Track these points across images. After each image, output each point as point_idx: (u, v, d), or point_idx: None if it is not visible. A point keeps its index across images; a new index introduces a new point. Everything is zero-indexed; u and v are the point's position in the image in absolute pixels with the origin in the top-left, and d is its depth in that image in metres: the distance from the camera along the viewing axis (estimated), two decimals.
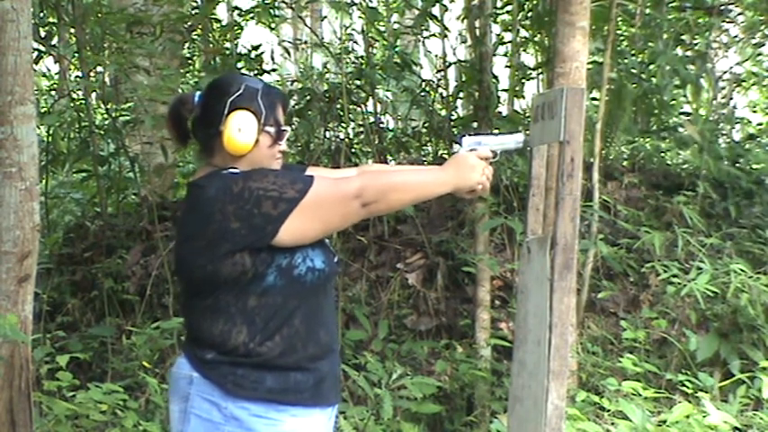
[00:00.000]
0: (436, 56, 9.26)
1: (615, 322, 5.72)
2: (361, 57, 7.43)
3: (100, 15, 6.58)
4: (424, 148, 7.80)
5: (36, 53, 6.08)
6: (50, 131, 6.97)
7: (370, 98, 7.18)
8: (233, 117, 2.35)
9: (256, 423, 2.30)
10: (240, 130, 2.34)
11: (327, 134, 7.18)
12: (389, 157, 7.38)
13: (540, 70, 7.28)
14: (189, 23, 7.38)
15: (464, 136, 2.55)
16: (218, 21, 8.01)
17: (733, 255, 5.86)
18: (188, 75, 8.26)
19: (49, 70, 9.84)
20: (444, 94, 7.37)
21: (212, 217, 2.28)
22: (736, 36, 8.93)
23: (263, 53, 7.34)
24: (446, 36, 7.33)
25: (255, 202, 2.25)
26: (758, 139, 7.98)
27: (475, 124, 6.33)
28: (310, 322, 2.36)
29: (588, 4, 4.73)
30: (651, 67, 7.19)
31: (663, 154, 7.80)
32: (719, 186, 6.65)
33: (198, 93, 2.48)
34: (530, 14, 6.94)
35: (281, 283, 2.30)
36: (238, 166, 2.38)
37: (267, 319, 2.31)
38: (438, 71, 7.71)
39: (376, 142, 7.04)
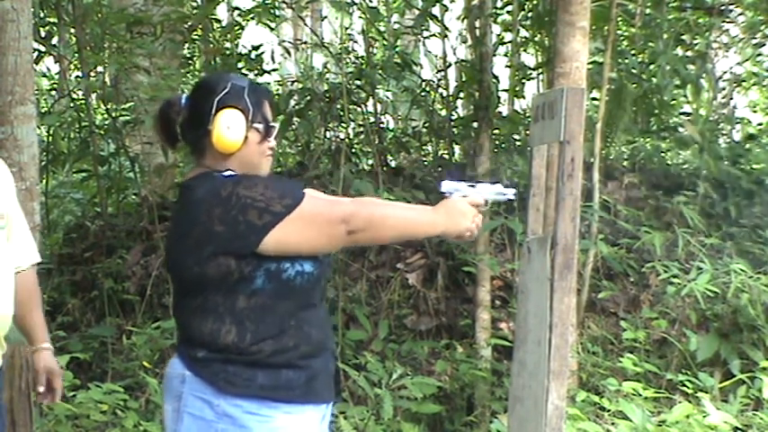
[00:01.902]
0: (436, 56, 9.28)
1: (615, 322, 5.72)
2: (362, 57, 7.43)
3: (100, 15, 6.58)
4: (424, 148, 7.80)
5: (36, 53, 6.08)
6: (50, 131, 6.97)
7: (370, 98, 7.18)
8: (221, 115, 2.35)
9: (249, 420, 2.30)
10: (229, 127, 2.34)
11: (327, 134, 7.19)
12: (389, 157, 7.38)
13: (540, 70, 7.29)
14: (189, 23, 7.38)
15: (444, 180, 2.52)
16: (219, 21, 8.02)
17: (733, 255, 5.86)
18: (188, 75, 8.26)
19: (49, 70, 9.83)
20: (444, 94, 7.38)
21: (198, 218, 2.29)
22: (736, 36, 8.94)
23: (263, 53, 7.35)
24: (446, 36, 7.33)
25: (241, 209, 2.26)
26: (758, 139, 7.99)
27: (475, 124, 6.33)
28: (301, 322, 2.36)
29: (588, 4, 4.74)
30: (651, 67, 7.19)
31: (663, 154, 7.81)
32: (719, 186, 6.66)
33: (184, 95, 2.48)
34: (530, 14, 6.94)
35: (269, 286, 2.31)
36: (229, 166, 2.38)
37: (257, 321, 2.31)
38: (438, 71, 7.72)
39: (376, 142, 7.04)
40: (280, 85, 8.33)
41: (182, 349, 2.41)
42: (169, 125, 2.48)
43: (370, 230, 2.31)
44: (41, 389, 2.85)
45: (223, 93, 2.37)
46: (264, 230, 2.26)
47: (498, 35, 7.08)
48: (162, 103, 2.53)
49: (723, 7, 7.85)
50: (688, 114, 7.89)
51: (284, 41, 9.67)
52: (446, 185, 2.48)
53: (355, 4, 7.45)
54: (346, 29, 8.01)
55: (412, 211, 2.45)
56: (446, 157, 7.62)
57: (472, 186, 2.48)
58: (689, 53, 7.72)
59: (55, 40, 6.90)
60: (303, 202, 2.29)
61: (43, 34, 6.50)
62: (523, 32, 7.26)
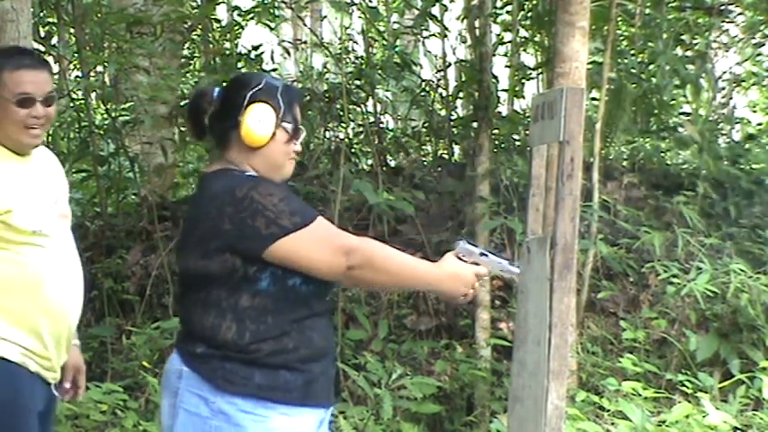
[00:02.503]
0: (436, 56, 9.26)
1: (615, 322, 5.72)
2: (361, 57, 7.43)
3: (100, 15, 6.58)
4: (424, 148, 7.81)
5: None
6: (50, 131, 6.96)
7: (370, 98, 7.18)
8: (252, 108, 2.36)
9: (244, 419, 2.30)
10: (259, 120, 2.36)
11: (327, 134, 7.19)
12: (389, 157, 7.38)
13: (540, 70, 7.28)
14: (189, 23, 7.38)
15: (461, 240, 2.56)
16: (219, 21, 8.02)
17: (733, 255, 5.86)
18: (188, 75, 8.26)
19: None
20: (444, 94, 7.38)
21: (209, 213, 2.31)
22: (736, 36, 8.93)
23: (263, 53, 7.35)
24: (446, 36, 7.33)
25: (251, 214, 2.27)
26: (758, 139, 7.99)
27: (475, 124, 6.33)
28: (303, 327, 2.36)
29: (588, 4, 4.74)
30: (651, 67, 7.19)
31: (663, 154, 7.80)
32: (719, 186, 6.65)
33: (217, 88, 2.50)
34: (530, 14, 6.94)
35: (274, 288, 2.31)
36: (252, 162, 2.39)
37: (258, 321, 2.31)
38: (438, 71, 7.72)
39: (376, 142, 7.04)
40: None
41: (181, 345, 2.42)
42: (199, 115, 2.49)
43: (369, 270, 2.31)
44: (67, 385, 2.89)
45: (256, 88, 2.39)
46: (268, 240, 2.27)
47: (498, 35, 7.08)
48: (194, 94, 2.55)
49: (723, 7, 7.84)
50: (688, 114, 7.89)
51: (284, 41, 9.66)
52: (460, 248, 2.52)
53: (355, 4, 7.45)
54: (346, 29, 8.01)
55: (415, 262, 2.45)
56: (446, 157, 7.62)
57: (484, 255, 2.51)
58: (688, 53, 7.71)
59: (55, 40, 6.91)
60: (311, 225, 2.30)
61: (43, 34, 6.50)
62: (523, 32, 7.26)
